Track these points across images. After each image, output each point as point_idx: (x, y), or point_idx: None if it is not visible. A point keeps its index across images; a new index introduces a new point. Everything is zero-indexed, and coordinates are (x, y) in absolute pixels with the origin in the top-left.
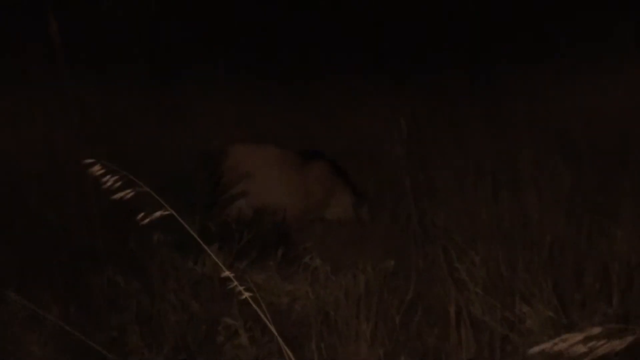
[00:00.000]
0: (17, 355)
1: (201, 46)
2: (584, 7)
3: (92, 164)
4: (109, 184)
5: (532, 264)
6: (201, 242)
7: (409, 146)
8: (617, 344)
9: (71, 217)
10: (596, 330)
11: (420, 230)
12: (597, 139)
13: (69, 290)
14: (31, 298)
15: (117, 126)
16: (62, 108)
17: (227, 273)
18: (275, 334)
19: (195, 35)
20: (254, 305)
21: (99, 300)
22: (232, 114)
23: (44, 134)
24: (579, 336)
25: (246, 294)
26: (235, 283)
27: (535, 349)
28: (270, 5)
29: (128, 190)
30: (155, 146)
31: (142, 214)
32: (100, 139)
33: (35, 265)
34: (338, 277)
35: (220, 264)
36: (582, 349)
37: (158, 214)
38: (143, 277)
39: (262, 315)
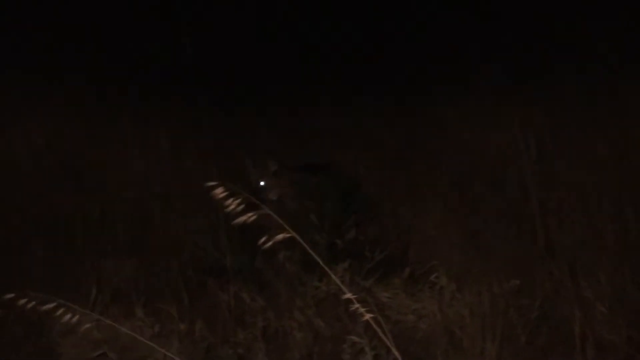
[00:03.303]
0: None
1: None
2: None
3: (217, 186)
4: (232, 207)
5: None
6: (321, 263)
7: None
8: None
9: (198, 234)
10: None
11: (545, 248)
12: None
13: (196, 306)
14: (158, 314)
15: (246, 145)
16: (190, 128)
17: (348, 295)
18: (397, 355)
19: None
20: (375, 327)
21: (225, 316)
22: (351, 132)
23: (170, 153)
24: None
25: (368, 316)
26: (357, 305)
27: None
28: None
29: (250, 214)
30: (284, 164)
31: (264, 238)
32: (226, 159)
33: (163, 282)
34: (463, 296)
35: (341, 286)
36: None
37: (280, 236)
38: (269, 294)
39: (384, 337)
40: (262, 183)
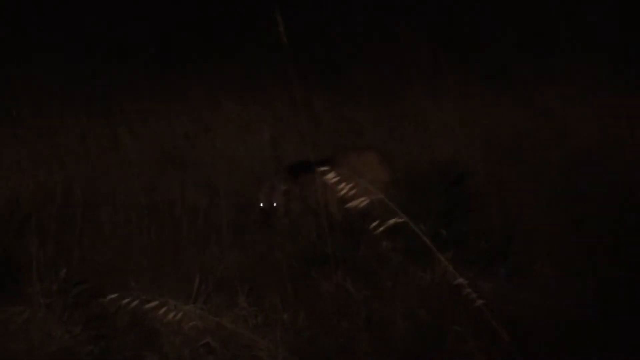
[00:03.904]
0: None
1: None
2: None
3: (327, 172)
4: (343, 191)
5: None
6: (433, 248)
7: None
8: None
9: (301, 222)
10: None
11: None
12: None
13: (299, 295)
14: (261, 304)
15: (347, 131)
16: (290, 111)
17: (460, 280)
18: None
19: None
20: (486, 313)
21: (329, 305)
22: (462, 122)
23: (271, 137)
24: None
25: (479, 302)
26: (468, 290)
27: None
28: None
29: (362, 199)
30: (388, 153)
31: (376, 222)
32: (328, 145)
33: (266, 271)
34: (568, 287)
35: (454, 272)
36: None
37: (392, 221)
38: (372, 283)
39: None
40: (274, 204)
